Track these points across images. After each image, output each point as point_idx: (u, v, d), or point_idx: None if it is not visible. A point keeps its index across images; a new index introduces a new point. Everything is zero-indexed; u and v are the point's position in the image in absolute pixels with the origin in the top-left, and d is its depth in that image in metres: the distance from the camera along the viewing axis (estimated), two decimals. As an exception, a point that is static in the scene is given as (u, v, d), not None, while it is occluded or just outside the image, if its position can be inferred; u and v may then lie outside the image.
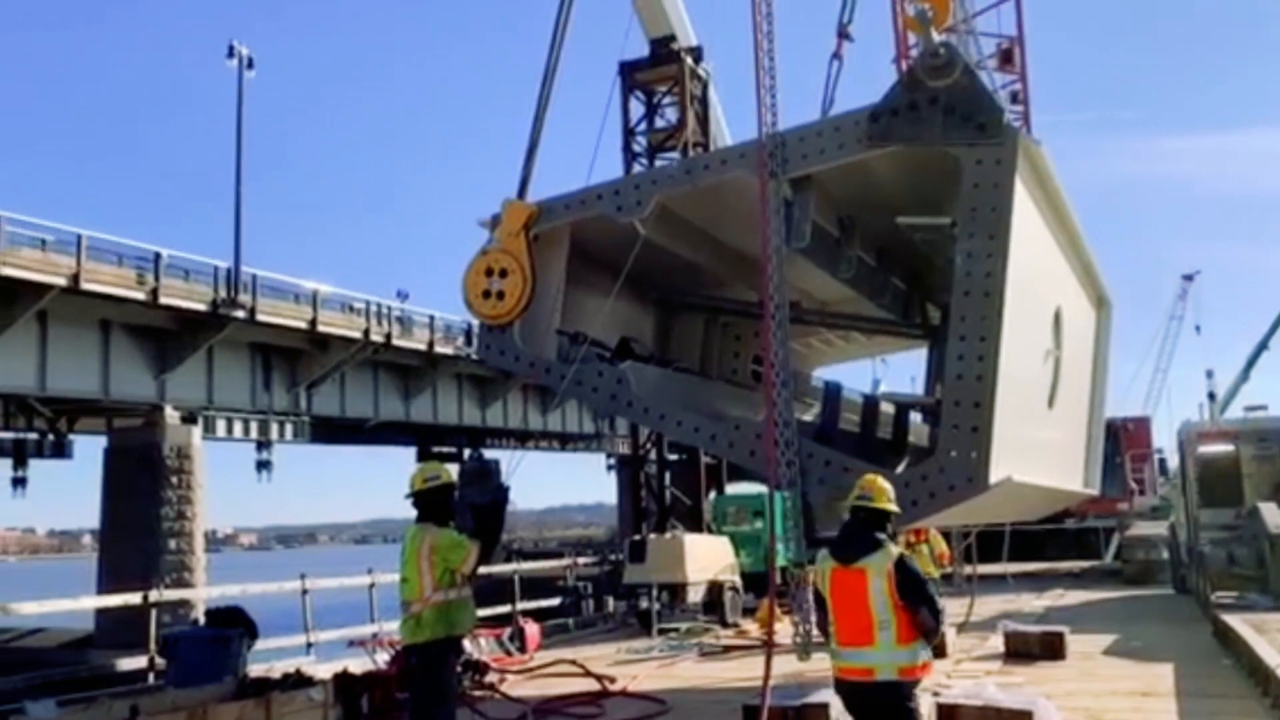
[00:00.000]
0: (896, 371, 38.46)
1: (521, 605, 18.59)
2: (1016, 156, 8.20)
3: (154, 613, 13.12)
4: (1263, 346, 55.05)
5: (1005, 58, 32.30)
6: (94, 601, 20.14)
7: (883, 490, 5.91)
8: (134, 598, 13.66)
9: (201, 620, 12.67)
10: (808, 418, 11.96)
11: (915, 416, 12.73)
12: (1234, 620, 13.28)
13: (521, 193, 10.33)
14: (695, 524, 24.80)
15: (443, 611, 7.02)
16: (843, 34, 10.80)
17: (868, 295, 12.34)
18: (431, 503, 7.27)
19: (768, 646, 9.73)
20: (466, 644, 11.08)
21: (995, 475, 7.76)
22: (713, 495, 26.15)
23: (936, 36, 8.66)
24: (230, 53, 34.56)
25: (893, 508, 5.93)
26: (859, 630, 5.53)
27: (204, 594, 20.96)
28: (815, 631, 9.66)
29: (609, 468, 65.83)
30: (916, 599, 5.51)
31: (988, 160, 8.18)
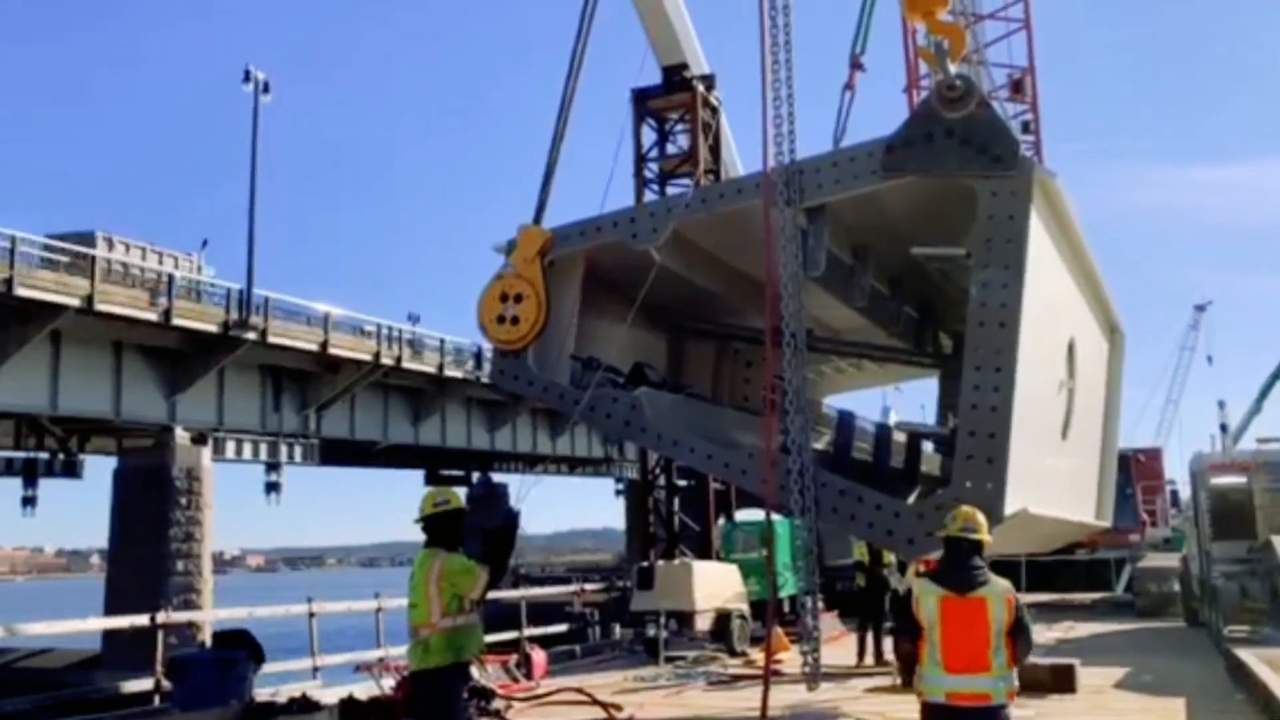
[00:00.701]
0: (908, 400, 38.40)
1: (528, 631, 18.51)
2: (1032, 188, 8.22)
3: (160, 634, 13.06)
4: (1276, 376, 54.82)
5: (1016, 88, 32.38)
6: (101, 623, 20.11)
7: (982, 523, 6.12)
8: (141, 619, 13.63)
9: (208, 642, 12.65)
10: (819, 446, 11.95)
11: (927, 445, 12.70)
12: (1247, 655, 13.17)
13: (537, 219, 10.40)
14: (704, 550, 24.68)
15: (451, 637, 6.98)
16: (855, 64, 10.84)
17: (880, 324, 12.35)
18: (441, 527, 7.23)
19: (765, 677, 9.74)
20: (474, 670, 11.02)
21: (1011, 506, 7.73)
22: (721, 521, 26.04)
23: (952, 68, 8.70)
24: (246, 77, 34.86)
25: (990, 539, 6.15)
26: (974, 657, 5.71)
27: (211, 616, 20.93)
28: (822, 660, 9.68)
29: (617, 492, 65.77)
30: (1023, 626, 5.88)
31: (1003, 192, 8.20)
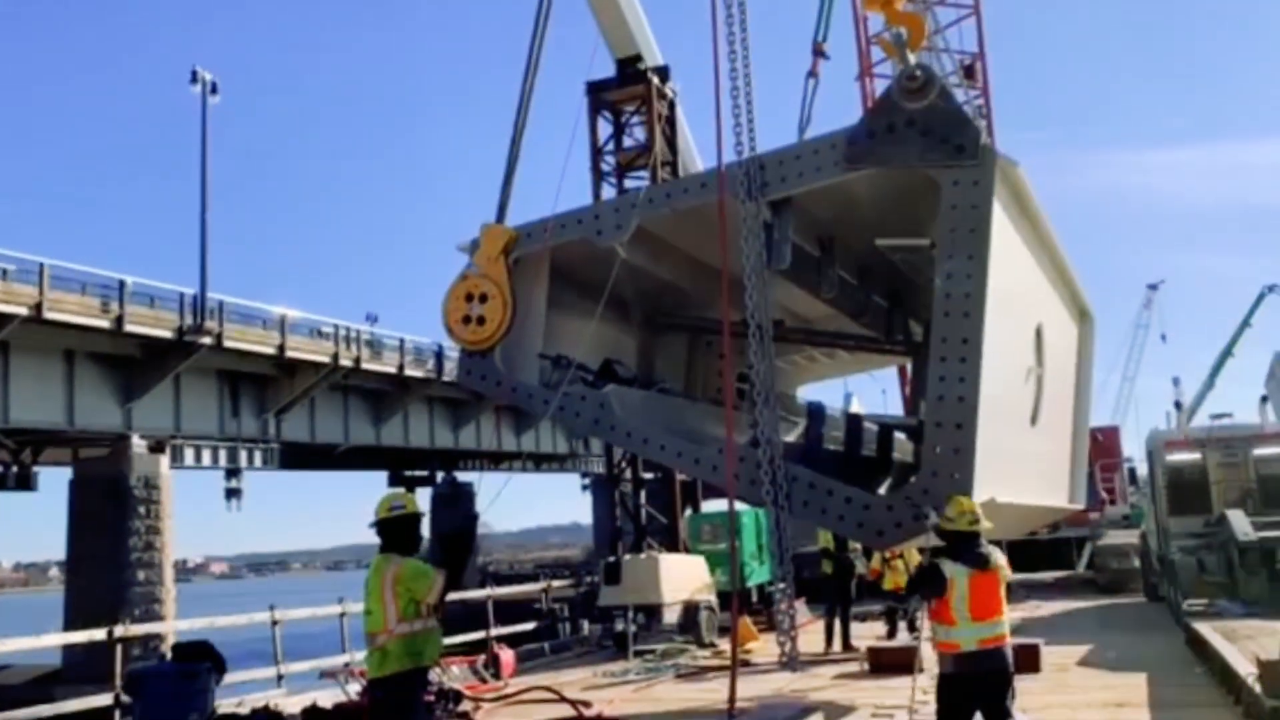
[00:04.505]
0: (868, 384, 38.65)
1: (496, 631, 18.43)
2: (994, 177, 8.27)
3: (119, 648, 12.77)
4: (1227, 353, 55.93)
5: (967, 73, 32.73)
6: (58, 639, 19.68)
7: (980, 513, 7.53)
8: (99, 634, 13.26)
9: (169, 655, 12.40)
10: (791, 438, 11.99)
11: (900, 433, 12.79)
12: (1205, 629, 13.42)
13: (500, 217, 10.31)
14: (672, 543, 24.72)
15: (408, 643, 6.87)
16: (818, 52, 10.83)
17: (850, 314, 12.40)
18: (396, 532, 7.11)
19: (732, 667, 9.81)
20: (437, 673, 10.92)
21: (979, 496, 7.80)
22: (688, 513, 26.10)
23: (911, 58, 8.74)
24: (194, 78, 34.35)
25: (990, 525, 7.60)
26: (993, 608, 7.40)
27: (172, 627, 20.59)
28: (800, 647, 9.78)
29: (584, 487, 65.78)
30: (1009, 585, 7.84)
31: (965, 181, 8.24)
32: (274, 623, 14.98)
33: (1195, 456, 20.35)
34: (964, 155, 8.23)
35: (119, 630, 13.03)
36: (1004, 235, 8.67)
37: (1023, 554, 27.99)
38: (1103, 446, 30.04)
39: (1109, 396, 65.87)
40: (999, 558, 7.54)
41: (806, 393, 15.95)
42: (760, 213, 8.92)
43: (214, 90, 34.75)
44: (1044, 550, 28.44)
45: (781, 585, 9.39)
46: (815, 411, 11.43)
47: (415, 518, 7.24)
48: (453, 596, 7.19)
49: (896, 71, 8.98)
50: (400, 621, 6.83)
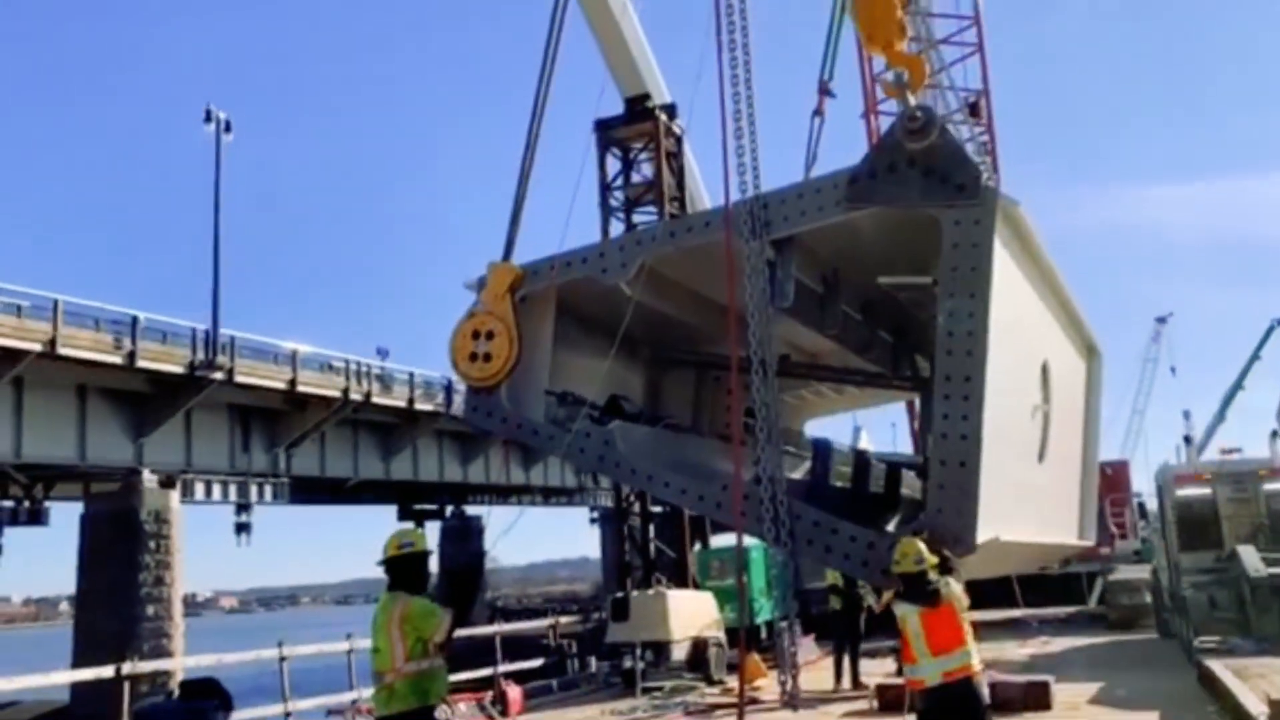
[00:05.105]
0: (879, 418, 38.62)
1: (503, 668, 18.37)
2: (995, 216, 8.34)
3: (126, 685, 12.74)
4: (1237, 386, 55.70)
5: (972, 110, 32.91)
6: (66, 676, 19.61)
7: (924, 551, 7.67)
8: (106, 671, 13.23)
9: (176, 692, 12.35)
10: (798, 474, 12.01)
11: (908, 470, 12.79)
12: (1216, 666, 13.30)
13: (507, 255, 10.42)
14: (680, 577, 24.65)
15: (416, 682, 6.89)
16: (824, 90, 10.95)
17: (855, 350, 12.44)
18: (405, 570, 7.13)
19: (739, 705, 9.78)
20: (444, 710, 10.89)
21: (982, 535, 7.81)
22: (697, 548, 26.02)
23: (912, 99, 8.84)
24: (208, 117, 34.78)
25: (935, 560, 7.71)
26: (951, 641, 7.54)
27: (181, 664, 20.55)
28: (810, 684, 9.75)
29: (592, 521, 65.50)
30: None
31: (966, 220, 8.31)
32: (281, 659, 14.95)
33: (1205, 491, 20.21)
34: (965, 194, 8.31)
35: (127, 667, 13.02)
36: (1006, 273, 8.73)
37: (1034, 589, 27.86)
38: (1112, 481, 29.87)
39: (1119, 430, 65.64)
40: (954, 590, 7.69)
41: (818, 426, 15.98)
42: (763, 251, 9.00)
43: (227, 128, 35.19)
44: (1055, 585, 28.24)
45: (784, 622, 9.39)
46: (821, 449, 11.45)
47: (424, 556, 7.27)
48: (460, 633, 7.22)
49: (899, 111, 9.08)
50: (408, 661, 6.85)
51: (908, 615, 7.69)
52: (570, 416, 10.06)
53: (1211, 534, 19.56)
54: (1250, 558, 17.36)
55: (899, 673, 16.01)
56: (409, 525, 52.60)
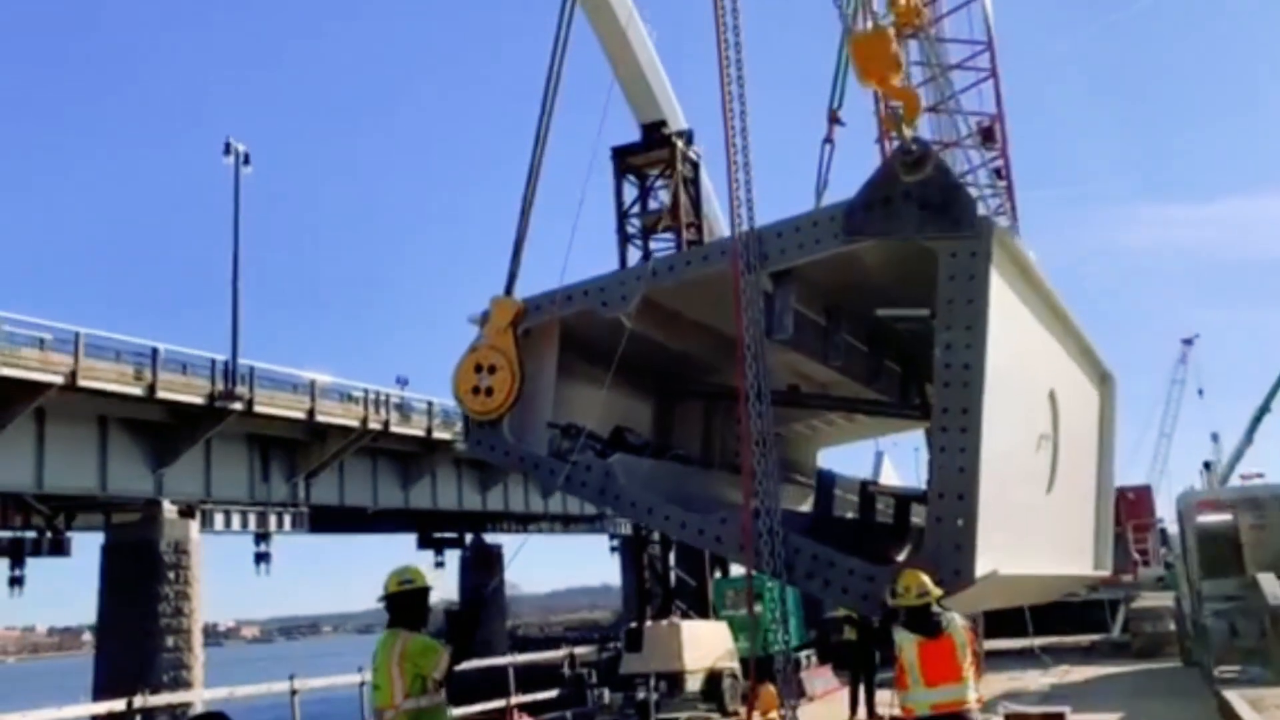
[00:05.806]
0: (903, 443, 38.31)
1: (518, 699, 18.33)
2: (991, 248, 8.31)
3: (138, 719, 12.78)
4: (1264, 410, 55.05)
5: (986, 135, 32.78)
6: (79, 709, 19.70)
7: (927, 583, 7.72)
8: (118, 704, 13.32)
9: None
10: (805, 508, 11.93)
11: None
12: (1234, 697, 13.12)
13: (509, 289, 10.47)
14: (700, 606, 24.52)
15: (416, 718, 6.93)
16: (833, 119, 10.98)
17: (861, 380, 12.37)
18: (405, 606, 7.18)
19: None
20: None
21: (981, 569, 7.75)
22: (716, 576, 25.88)
23: (908, 132, 8.86)
24: (227, 150, 35.24)
25: (939, 592, 7.73)
26: (948, 673, 7.67)
27: (197, 696, 20.59)
28: (825, 715, 9.66)
29: (612, 549, 65.37)
30: (975, 653, 8.02)
31: (962, 253, 8.29)
32: (293, 693, 14.98)
33: (1226, 518, 19.98)
34: (961, 227, 8.30)
35: (138, 700, 13.11)
36: (1005, 304, 8.68)
37: (1055, 617, 27.59)
38: (1135, 506, 29.60)
39: (1145, 454, 65.01)
40: (956, 624, 7.78)
41: (839, 453, 15.81)
42: (760, 284, 9.01)
43: (246, 161, 35.64)
44: (1077, 613, 27.95)
45: (791, 652, 9.33)
46: (825, 481, 11.39)
47: (424, 592, 7.31)
48: (475, 663, 7.24)
49: (895, 144, 9.09)
50: (407, 698, 6.88)
51: (905, 643, 7.81)
52: (574, 449, 10.06)
53: (1233, 561, 19.32)
54: (1271, 585, 17.14)
55: (870, 716, 15.87)
56: (426, 554, 52.38)
